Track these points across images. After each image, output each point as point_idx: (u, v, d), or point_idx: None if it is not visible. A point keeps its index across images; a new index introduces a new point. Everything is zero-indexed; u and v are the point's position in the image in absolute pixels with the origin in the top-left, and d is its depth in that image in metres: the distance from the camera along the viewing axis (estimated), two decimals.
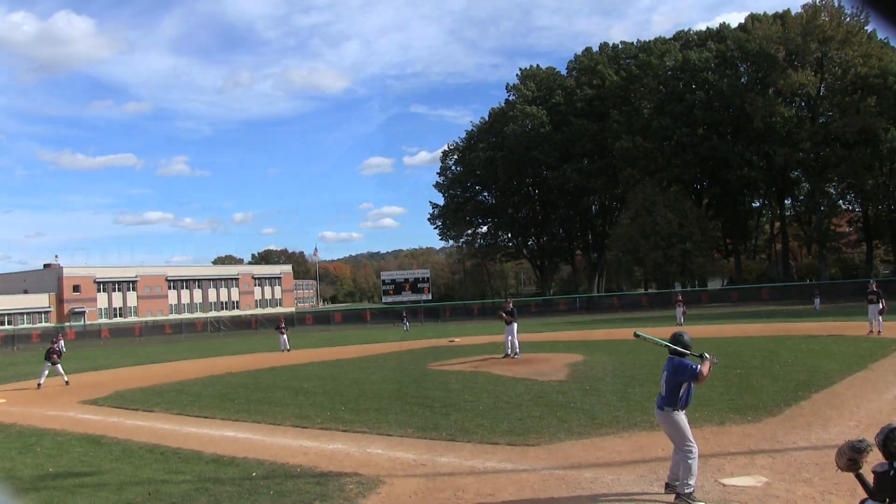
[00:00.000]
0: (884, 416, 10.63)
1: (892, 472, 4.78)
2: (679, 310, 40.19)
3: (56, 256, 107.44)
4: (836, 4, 62.29)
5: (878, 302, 25.91)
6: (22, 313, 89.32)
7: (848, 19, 62.36)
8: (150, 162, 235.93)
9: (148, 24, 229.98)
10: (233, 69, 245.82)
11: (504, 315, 23.85)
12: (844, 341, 22.97)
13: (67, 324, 79.54)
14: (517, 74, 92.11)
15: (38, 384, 23.50)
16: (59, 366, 24.05)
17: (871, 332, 25.22)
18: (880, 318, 25.62)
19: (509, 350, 23.51)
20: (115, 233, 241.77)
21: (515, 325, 23.70)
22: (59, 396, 20.62)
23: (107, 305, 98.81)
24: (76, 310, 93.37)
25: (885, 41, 66.44)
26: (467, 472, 9.09)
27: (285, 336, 36.90)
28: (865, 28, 62.55)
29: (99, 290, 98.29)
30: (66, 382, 23.79)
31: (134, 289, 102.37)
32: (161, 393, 19.69)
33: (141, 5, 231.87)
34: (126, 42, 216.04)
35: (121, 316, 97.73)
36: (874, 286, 27.50)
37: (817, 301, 45.89)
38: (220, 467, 10.15)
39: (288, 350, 35.43)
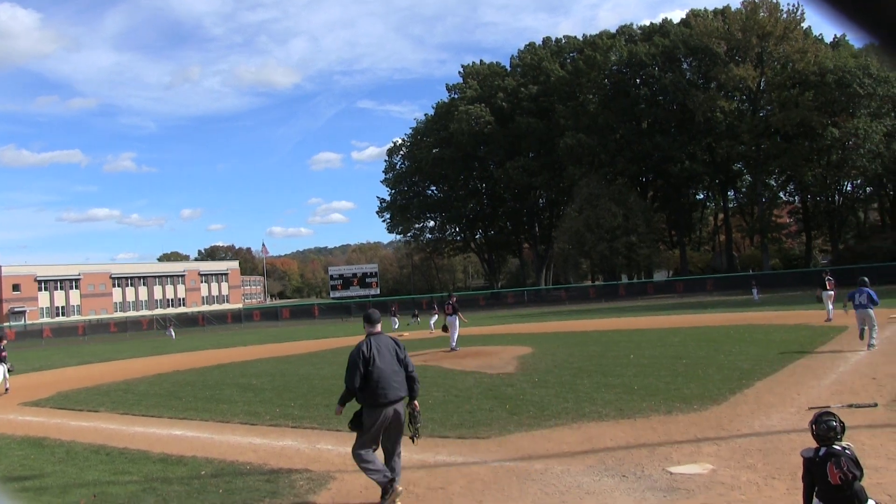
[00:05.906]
0: (822, 401, 10.92)
1: (817, 459, 4.93)
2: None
3: None
4: (774, 1, 63.76)
5: (833, 289, 26.43)
6: None
7: (784, 15, 63.88)
8: (96, 158, 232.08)
9: (93, 20, 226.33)
10: (180, 65, 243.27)
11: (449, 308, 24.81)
12: (786, 330, 23.48)
13: (7, 324, 77.39)
14: (459, 72, 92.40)
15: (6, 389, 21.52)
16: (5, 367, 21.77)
17: (829, 319, 25.20)
18: (831, 304, 26.14)
19: (454, 343, 24.16)
20: (58, 231, 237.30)
21: (457, 318, 24.67)
22: None
23: (49, 304, 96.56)
24: (16, 309, 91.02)
25: (820, 37, 68.34)
26: (417, 466, 9.09)
27: (397, 318, 41.20)
28: (801, 24, 64.20)
29: (40, 289, 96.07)
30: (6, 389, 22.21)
31: (77, 287, 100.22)
32: (106, 392, 19.30)
33: (85, 1, 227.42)
34: (71, 37, 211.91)
35: (63, 315, 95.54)
36: (829, 274, 27.92)
37: (755, 291, 46.73)
38: (167, 467, 9.99)
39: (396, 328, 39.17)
